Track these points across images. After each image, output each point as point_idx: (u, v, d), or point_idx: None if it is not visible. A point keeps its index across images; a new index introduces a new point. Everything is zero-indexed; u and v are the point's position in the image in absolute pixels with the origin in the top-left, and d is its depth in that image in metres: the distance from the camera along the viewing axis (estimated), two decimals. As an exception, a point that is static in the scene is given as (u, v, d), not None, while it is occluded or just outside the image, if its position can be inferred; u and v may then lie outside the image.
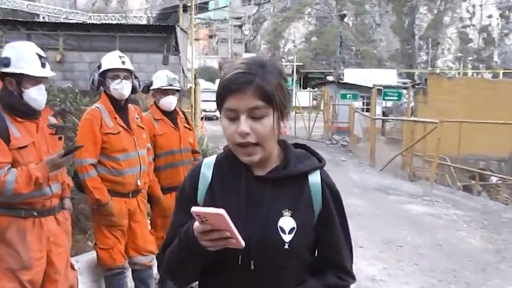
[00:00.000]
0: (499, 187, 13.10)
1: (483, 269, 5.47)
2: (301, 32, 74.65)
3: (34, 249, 2.74)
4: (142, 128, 3.74)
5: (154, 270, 4.25)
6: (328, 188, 1.49)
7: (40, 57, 2.79)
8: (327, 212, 1.48)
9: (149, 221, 4.26)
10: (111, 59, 3.54)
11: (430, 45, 67.17)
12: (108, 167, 3.46)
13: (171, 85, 4.10)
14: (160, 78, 4.14)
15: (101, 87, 3.57)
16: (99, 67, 3.54)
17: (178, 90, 4.21)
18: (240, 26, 77.56)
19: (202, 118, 18.48)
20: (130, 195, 3.57)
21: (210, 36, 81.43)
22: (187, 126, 4.32)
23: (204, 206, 1.44)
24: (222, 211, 1.22)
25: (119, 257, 3.56)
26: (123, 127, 3.53)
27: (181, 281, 1.55)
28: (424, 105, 18.48)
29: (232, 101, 1.38)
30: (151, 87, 4.16)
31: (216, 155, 1.58)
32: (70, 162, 3.04)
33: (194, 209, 1.25)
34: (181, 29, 18.40)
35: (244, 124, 1.37)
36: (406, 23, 72.59)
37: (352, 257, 1.56)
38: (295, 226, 1.41)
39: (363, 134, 16.74)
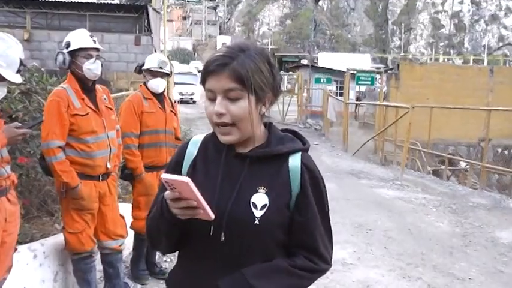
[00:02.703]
0: (467, 172, 13.38)
1: (450, 253, 5.59)
2: (276, 15, 74.31)
3: None
4: (111, 109, 3.65)
5: (125, 252, 4.20)
6: (308, 171, 1.51)
7: (21, 63, 2.74)
8: (304, 194, 1.49)
9: (132, 202, 4.32)
10: (82, 38, 3.40)
11: (403, 31, 67.80)
12: (76, 149, 3.36)
13: (161, 68, 4.21)
14: (152, 61, 4.25)
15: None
16: (68, 46, 3.39)
17: (168, 74, 4.32)
18: (215, 8, 76.81)
19: (175, 101, 18.27)
20: (100, 178, 3.50)
21: (184, 18, 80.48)
22: (172, 110, 4.42)
23: None
24: (186, 179, 1.26)
25: (87, 241, 3.49)
26: (91, 108, 3.42)
27: (160, 247, 1.60)
28: (396, 90, 18.66)
29: (210, 81, 1.44)
30: (143, 68, 4.26)
31: (205, 134, 1.63)
32: (26, 135, 2.96)
33: (164, 175, 1.30)
34: (154, 9, 18.08)
35: (220, 105, 1.43)
36: (380, 7, 73.00)
37: (331, 245, 1.57)
38: (268, 203, 1.44)
39: (336, 118, 16.85)
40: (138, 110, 4.10)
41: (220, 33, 69.46)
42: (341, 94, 19.71)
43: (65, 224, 3.49)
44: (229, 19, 78.41)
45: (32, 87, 4.49)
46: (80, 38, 3.40)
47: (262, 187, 1.46)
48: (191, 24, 76.62)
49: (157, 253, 4.68)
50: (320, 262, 1.51)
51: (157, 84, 4.21)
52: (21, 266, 3.24)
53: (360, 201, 7.86)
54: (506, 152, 19.29)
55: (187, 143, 1.62)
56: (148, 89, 4.23)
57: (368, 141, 13.60)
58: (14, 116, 4.03)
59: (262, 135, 1.54)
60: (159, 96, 4.28)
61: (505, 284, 4.82)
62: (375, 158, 13.24)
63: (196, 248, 1.50)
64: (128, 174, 4.15)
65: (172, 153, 4.36)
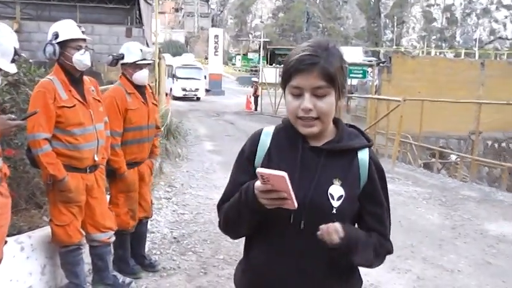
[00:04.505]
0: (458, 165, 13.45)
1: (439, 245, 5.61)
2: (269, 8, 73.96)
3: None
4: (99, 100, 3.60)
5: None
6: (375, 165, 1.65)
7: (15, 52, 2.69)
8: (372, 186, 1.64)
9: (110, 199, 4.14)
10: (71, 29, 3.36)
11: (395, 24, 67.75)
12: (63, 141, 3.33)
13: (145, 59, 4.04)
14: (134, 52, 4.04)
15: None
16: (56, 36, 3.33)
17: (150, 64, 4.16)
18: (207, 0, 76.32)
19: (167, 94, 18.12)
20: (88, 170, 3.47)
21: (176, 10, 79.95)
22: (154, 102, 4.30)
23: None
24: (284, 174, 1.35)
25: (75, 234, 3.46)
26: (78, 100, 3.38)
27: (234, 233, 1.74)
28: (388, 84, 18.67)
29: (298, 79, 1.53)
30: (124, 61, 4.04)
31: (274, 126, 1.72)
32: (20, 127, 2.92)
33: (260, 170, 1.39)
34: (146, 0, 17.94)
35: (308, 101, 1.53)
36: (373, 0, 72.89)
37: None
38: (344, 194, 1.57)
39: (327, 111, 16.81)
40: (121, 107, 3.92)
41: (212, 26, 69.05)
42: (333, 87, 19.67)
43: (52, 217, 3.46)
44: (221, 11, 78.01)
45: (20, 78, 4.43)
46: (68, 28, 3.35)
47: (337, 179, 1.59)
48: (183, 16, 76.13)
49: (147, 246, 4.65)
50: (389, 245, 1.70)
51: (143, 76, 4.06)
52: (8, 258, 3.20)
53: (350, 193, 7.86)
54: (496, 145, 19.41)
55: (260, 134, 1.70)
56: (129, 82, 4.04)
57: (359, 134, 13.59)
58: (1, 107, 3.99)
59: (332, 130, 1.65)
60: (141, 89, 4.11)
61: (492, 275, 4.85)
62: (366, 151, 13.23)
63: (274, 233, 1.61)
64: (109, 170, 3.95)
65: (152, 146, 4.31)
